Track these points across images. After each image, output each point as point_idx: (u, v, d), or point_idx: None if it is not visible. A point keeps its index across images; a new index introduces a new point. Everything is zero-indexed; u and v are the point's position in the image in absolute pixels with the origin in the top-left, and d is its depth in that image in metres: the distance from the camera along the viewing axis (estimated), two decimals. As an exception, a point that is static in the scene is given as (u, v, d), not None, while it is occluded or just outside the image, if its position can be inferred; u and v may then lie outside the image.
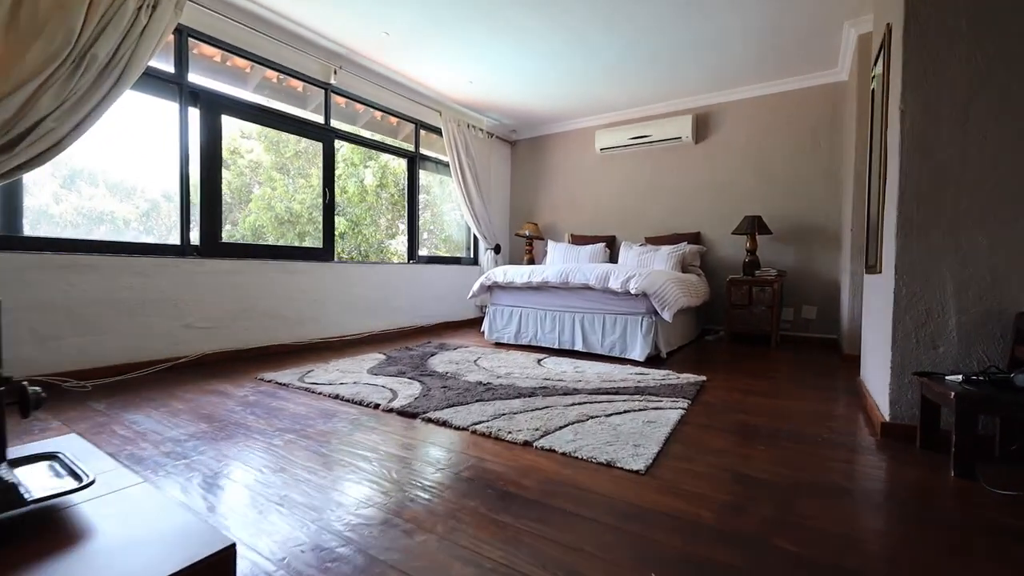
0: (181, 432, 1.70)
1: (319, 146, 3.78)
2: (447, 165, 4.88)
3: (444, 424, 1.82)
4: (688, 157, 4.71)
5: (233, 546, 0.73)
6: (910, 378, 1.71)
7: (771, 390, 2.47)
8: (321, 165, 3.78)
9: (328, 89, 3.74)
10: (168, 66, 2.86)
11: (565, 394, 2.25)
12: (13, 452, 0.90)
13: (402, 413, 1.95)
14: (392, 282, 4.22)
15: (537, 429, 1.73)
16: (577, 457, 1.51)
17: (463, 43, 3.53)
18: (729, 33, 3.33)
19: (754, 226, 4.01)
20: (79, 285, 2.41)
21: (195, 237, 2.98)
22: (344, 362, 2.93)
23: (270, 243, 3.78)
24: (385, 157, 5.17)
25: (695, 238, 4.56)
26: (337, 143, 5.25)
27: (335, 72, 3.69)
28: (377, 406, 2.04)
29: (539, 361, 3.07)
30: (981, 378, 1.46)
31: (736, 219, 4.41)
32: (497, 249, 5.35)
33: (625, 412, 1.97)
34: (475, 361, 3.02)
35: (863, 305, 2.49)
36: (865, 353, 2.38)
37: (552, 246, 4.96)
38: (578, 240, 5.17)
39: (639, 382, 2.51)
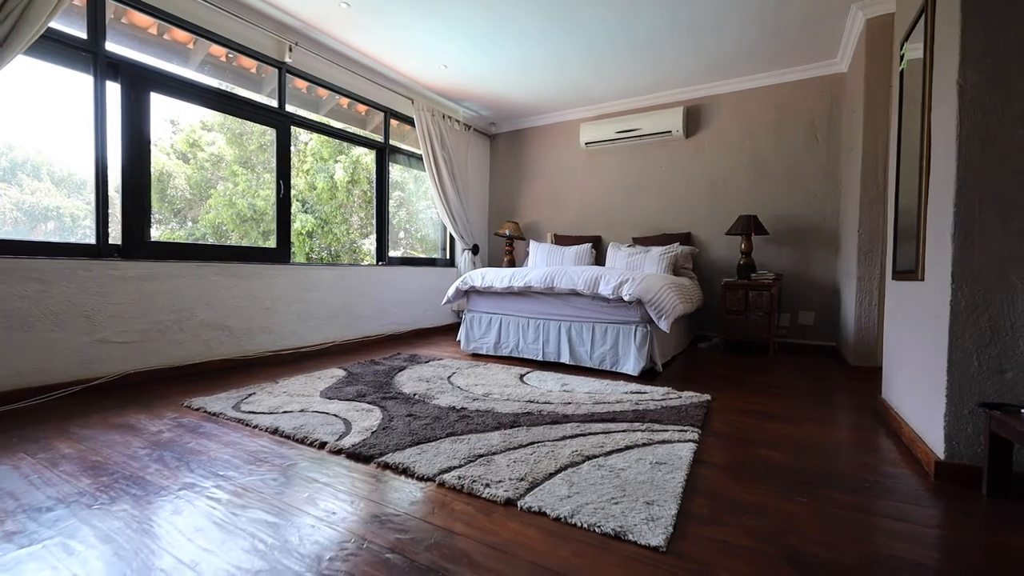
0: (49, 494, 1.28)
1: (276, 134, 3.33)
2: (421, 159, 4.48)
3: (404, 472, 1.45)
4: (679, 152, 4.42)
5: None
6: (972, 409, 1.41)
7: (785, 411, 2.18)
8: (275, 154, 3.34)
9: (283, 68, 3.30)
10: (81, 31, 2.40)
11: (553, 422, 1.90)
12: None
13: (353, 456, 1.56)
14: (358, 286, 3.81)
15: (522, 479, 1.37)
16: (575, 525, 1.15)
17: (434, 18, 3.15)
18: (726, 13, 3.04)
19: (750, 226, 3.75)
20: (-48, 294, 1.94)
21: (116, 235, 2.52)
22: (295, 381, 2.51)
23: (212, 243, 3.33)
24: (357, 151, 4.75)
25: (686, 238, 4.28)
26: (305, 136, 4.77)
27: (290, 49, 3.26)
28: (323, 445, 1.65)
29: (521, 377, 2.71)
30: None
31: (728, 218, 4.15)
32: (475, 250, 4.98)
33: (627, 449, 1.62)
34: (448, 378, 2.65)
35: (886, 315, 2.22)
36: (891, 369, 2.10)
37: (534, 247, 4.61)
38: (562, 240, 4.84)
39: (637, 404, 2.18)
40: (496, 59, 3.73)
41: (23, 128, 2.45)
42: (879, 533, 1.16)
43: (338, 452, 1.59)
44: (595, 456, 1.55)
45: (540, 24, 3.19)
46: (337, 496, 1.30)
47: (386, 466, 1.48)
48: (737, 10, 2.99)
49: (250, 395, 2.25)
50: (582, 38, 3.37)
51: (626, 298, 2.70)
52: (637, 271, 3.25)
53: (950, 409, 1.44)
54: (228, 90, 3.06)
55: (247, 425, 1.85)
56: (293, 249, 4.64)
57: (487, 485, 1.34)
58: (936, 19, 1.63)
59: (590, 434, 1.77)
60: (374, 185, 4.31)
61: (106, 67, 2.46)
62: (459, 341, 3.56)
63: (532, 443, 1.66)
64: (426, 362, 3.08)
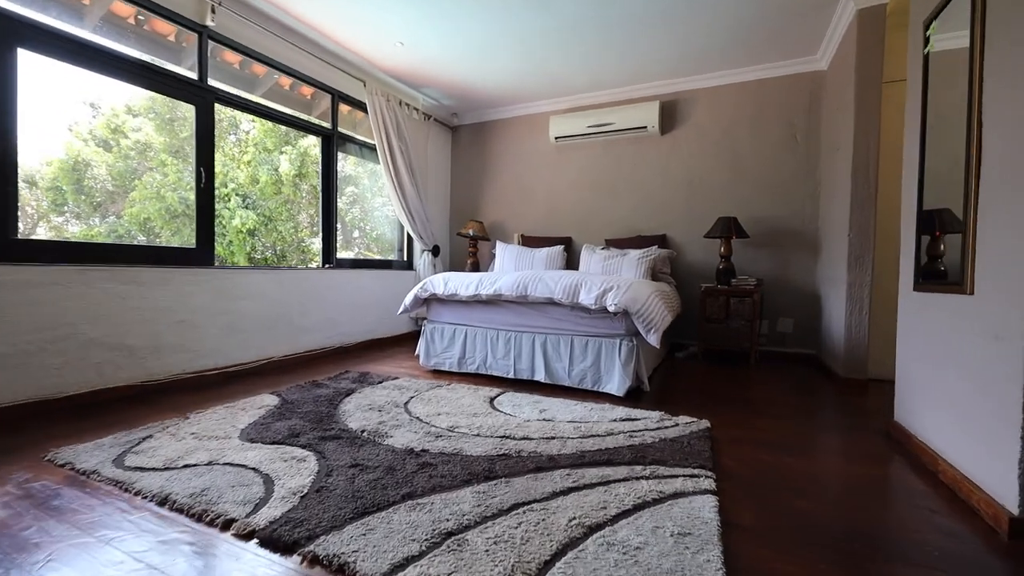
0: None
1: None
2: (375, 149, 4.00)
3: (341, 572, 1.03)
4: (654, 149, 4.18)
5: None
6: (1053, 455, 1.16)
7: (794, 440, 1.92)
8: (194, 136, 2.78)
9: (204, 33, 2.76)
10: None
11: (538, 469, 1.53)
12: None
13: (270, 543, 1.12)
14: (301, 292, 3.29)
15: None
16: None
17: (390, -17, 2.71)
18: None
19: (730, 229, 3.53)
20: None
21: (-38, 231, 1.93)
22: (211, 415, 2.01)
23: (110, 243, 2.76)
24: (306, 142, 4.21)
25: (661, 241, 4.04)
26: (247, 124, 4.20)
27: (212, 10, 2.72)
28: (229, 524, 1.19)
29: (492, 401, 2.33)
30: None
31: (704, 219, 3.94)
32: (435, 251, 4.54)
33: (637, 510, 1.28)
34: (405, 405, 2.22)
35: (901, 329, 2.00)
36: (910, 392, 1.89)
37: (501, 248, 4.24)
38: (530, 241, 4.49)
39: (631, 436, 1.85)
40: (459, 39, 3.33)
41: None
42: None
43: (248, 536, 1.15)
44: (600, 526, 1.19)
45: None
46: (235, 624, 0.87)
47: (315, 560, 1.06)
48: (725, -7, 2.75)
49: (144, 439, 1.73)
50: (551, 18, 3.03)
51: (611, 308, 2.38)
52: (615, 276, 2.94)
53: (1026, 455, 1.19)
54: (130, 55, 2.49)
55: (127, 491, 1.36)
56: (230, 249, 4.05)
57: (460, 590, 0.95)
58: (988, -10, 1.39)
59: (585, 486, 1.41)
60: (320, 176, 3.79)
61: (-54, 9, 1.87)
62: (418, 355, 3.13)
63: (516, 507, 1.28)
64: (379, 383, 2.63)
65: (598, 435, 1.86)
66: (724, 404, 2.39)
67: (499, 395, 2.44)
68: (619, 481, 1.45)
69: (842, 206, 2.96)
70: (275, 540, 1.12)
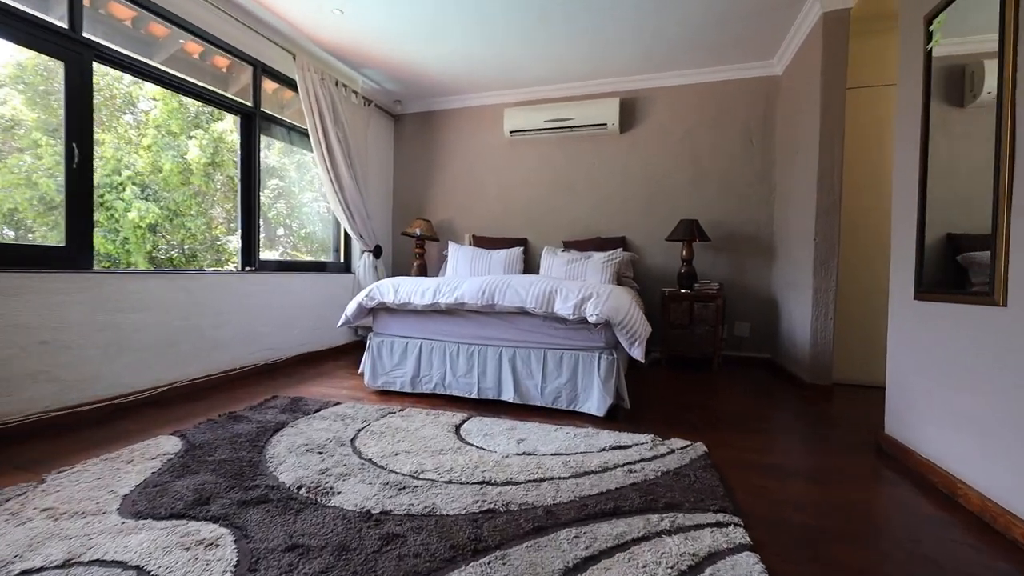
0: None
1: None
2: (306, 135, 3.47)
3: None
4: (613, 148, 4.02)
5: None
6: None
7: (793, 462, 1.78)
8: (63, 100, 2.16)
9: (77, -29, 2.14)
10: None
11: (537, 529, 1.22)
12: None
13: None
14: (213, 301, 2.72)
15: None
16: None
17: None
18: (689, -13, 2.64)
19: (692, 232, 3.44)
20: None
21: None
22: (81, 475, 1.48)
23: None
24: (221, 127, 3.56)
25: (621, 243, 3.88)
26: (146, 102, 3.58)
27: (89, -59, 2.12)
28: None
29: (458, 430, 1.98)
30: None
31: (665, 222, 3.83)
32: (377, 252, 4.07)
33: (675, 587, 1.01)
34: (352, 442, 1.81)
35: (893, 338, 1.92)
36: (905, 405, 1.81)
37: (454, 249, 3.87)
38: (482, 242, 4.16)
39: (631, 471, 1.59)
40: (406, 7, 2.92)
41: None
42: None
43: None
44: (641, 622, 0.90)
45: (472, -36, 2.48)
46: None
47: None
48: (699, -17, 2.60)
49: (-33, 523, 1.20)
50: (519, -6, 2.73)
51: (592, 319, 2.12)
52: (588, 281, 2.69)
53: (1088, 487, 1.06)
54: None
55: (-86, 629, 0.87)
56: (125, 248, 3.35)
57: None
58: (1019, -25, 1.28)
59: (602, 553, 1.12)
60: (239, 163, 3.21)
61: None
62: (362, 373, 2.69)
63: (523, 598, 0.96)
64: (316, 411, 2.18)
65: (592, 471, 1.59)
66: (707, 422, 2.22)
67: (465, 421, 2.10)
68: (639, 541, 1.17)
69: (804, 211, 2.93)
70: None
